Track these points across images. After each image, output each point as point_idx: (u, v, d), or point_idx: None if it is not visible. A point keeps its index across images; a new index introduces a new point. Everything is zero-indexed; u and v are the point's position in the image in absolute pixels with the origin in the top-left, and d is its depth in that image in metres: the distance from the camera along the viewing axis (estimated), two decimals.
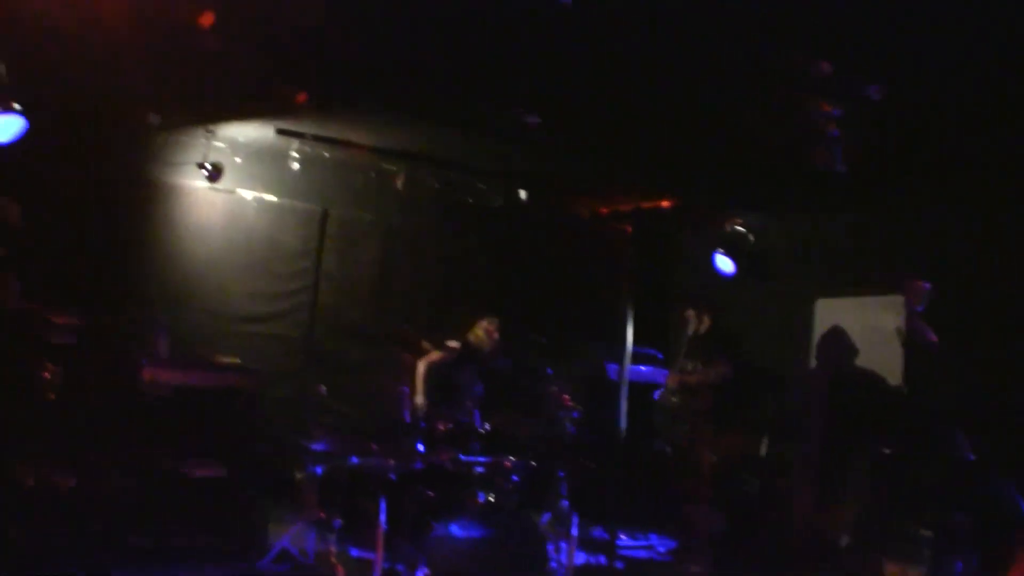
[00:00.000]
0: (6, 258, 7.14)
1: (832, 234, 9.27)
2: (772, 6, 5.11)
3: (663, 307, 9.81)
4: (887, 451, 7.98)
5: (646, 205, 3.64)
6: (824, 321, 8.97)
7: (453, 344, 7.93)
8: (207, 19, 6.04)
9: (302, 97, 7.22)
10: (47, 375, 6.42)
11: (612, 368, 8.52)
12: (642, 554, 8.64)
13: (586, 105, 7.12)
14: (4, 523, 6.30)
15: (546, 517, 6.93)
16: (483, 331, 8.06)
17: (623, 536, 8.91)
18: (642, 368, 8.92)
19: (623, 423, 3.71)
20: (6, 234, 7.24)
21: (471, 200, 10.03)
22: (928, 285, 7.30)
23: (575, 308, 10.23)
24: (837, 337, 8.67)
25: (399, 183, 9.44)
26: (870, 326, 8.43)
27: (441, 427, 6.62)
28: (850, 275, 8.96)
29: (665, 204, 3.60)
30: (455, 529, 5.98)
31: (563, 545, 6.77)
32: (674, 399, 8.52)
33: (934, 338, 7.31)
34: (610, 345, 8.00)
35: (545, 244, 10.64)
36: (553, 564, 6.56)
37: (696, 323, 8.57)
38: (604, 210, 3.72)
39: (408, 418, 6.97)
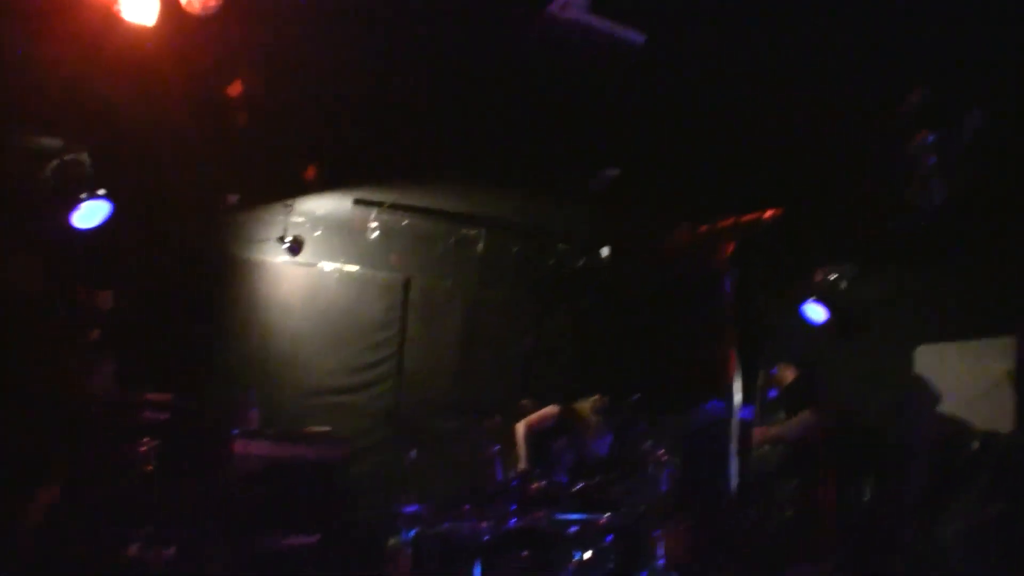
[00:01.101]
0: (99, 341, 7.27)
1: (930, 279, 9.01)
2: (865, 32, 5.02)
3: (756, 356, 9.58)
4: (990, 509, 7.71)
5: (747, 218, 3.53)
6: (924, 369, 8.69)
7: (553, 410, 7.77)
8: (235, 89, 6.16)
9: (311, 173, 7.30)
10: (143, 449, 6.46)
11: (711, 408, 8.34)
12: None
13: (663, 151, 7.03)
14: None
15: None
16: (590, 406, 7.83)
17: None
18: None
19: (731, 476, 3.58)
20: (98, 318, 7.37)
21: (552, 262, 9.97)
22: None
23: (669, 361, 10.08)
24: (924, 386, 8.43)
25: (479, 248, 9.45)
26: (975, 371, 8.16)
27: (534, 487, 6.51)
28: (951, 320, 8.67)
29: (767, 216, 3.49)
30: None
31: None
32: (758, 453, 8.30)
33: None
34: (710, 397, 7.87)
35: (634, 298, 10.52)
36: None
37: (780, 376, 8.39)
38: (703, 228, 3.63)
39: (500, 477, 6.87)
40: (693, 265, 9.68)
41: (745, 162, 7.05)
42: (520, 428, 7.56)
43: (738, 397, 3.77)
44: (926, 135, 5.93)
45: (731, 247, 3.83)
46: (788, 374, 8.45)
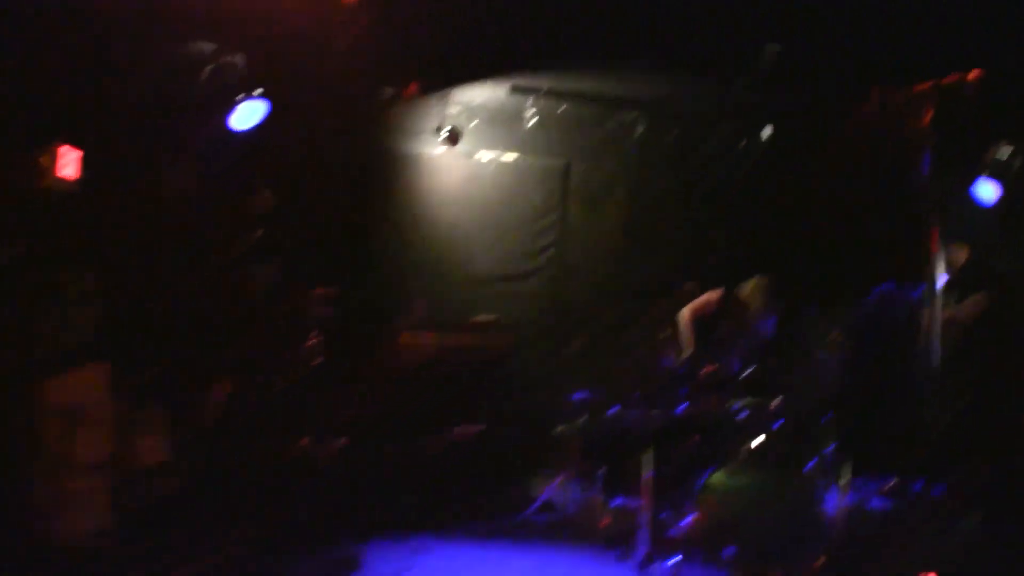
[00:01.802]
0: (263, 241, 7.44)
1: None
2: None
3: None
4: None
5: (948, 80, 3.30)
6: None
7: (715, 294, 7.62)
8: None
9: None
10: (310, 344, 6.62)
11: (887, 291, 8.10)
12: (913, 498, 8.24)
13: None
14: (279, 488, 6.58)
15: (813, 462, 6.66)
16: (753, 289, 7.62)
17: (889, 481, 8.52)
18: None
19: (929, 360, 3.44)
20: (261, 218, 7.54)
21: (714, 143, 9.73)
22: None
23: (837, 243, 9.79)
24: None
25: (638, 131, 9.29)
26: None
27: (703, 372, 6.45)
28: None
29: (971, 77, 3.26)
30: (721, 478, 5.81)
31: (832, 491, 6.49)
32: (940, 336, 8.03)
33: None
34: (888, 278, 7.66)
35: (798, 178, 10.21)
36: (821, 511, 6.28)
37: (953, 257, 8.06)
38: (898, 94, 3.42)
39: (668, 363, 6.82)
40: (883, 137, 9.35)
41: (912, 36, 6.69)
42: (684, 314, 7.44)
43: (941, 279, 3.61)
44: None
45: (930, 114, 3.62)
46: (961, 255, 8.10)
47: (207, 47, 6.64)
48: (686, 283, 7.54)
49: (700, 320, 7.44)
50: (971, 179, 8.40)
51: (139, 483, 6.19)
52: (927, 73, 3.57)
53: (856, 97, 4.03)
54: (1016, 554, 6.46)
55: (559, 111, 9.10)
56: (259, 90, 6.82)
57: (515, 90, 8.64)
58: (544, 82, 8.57)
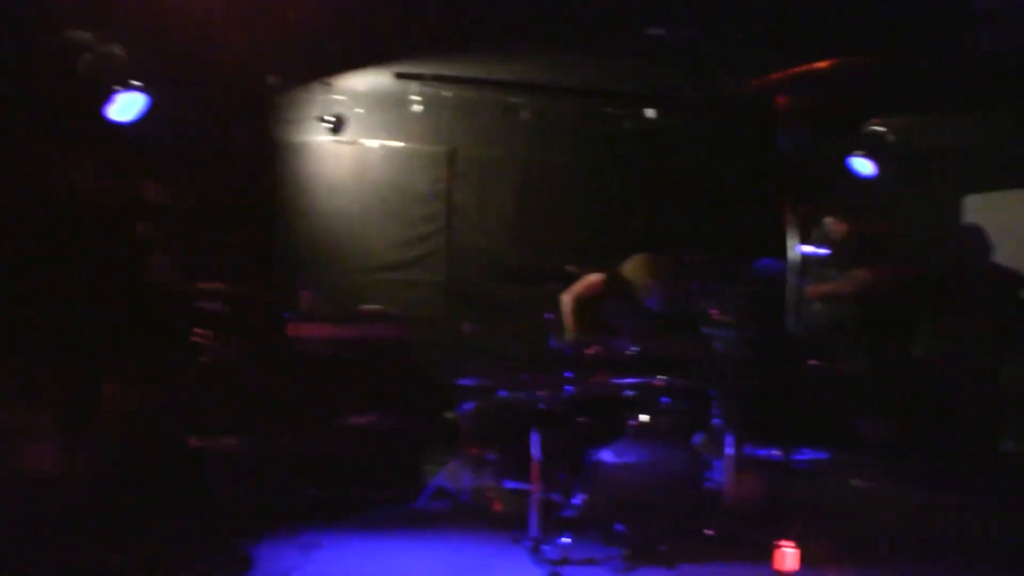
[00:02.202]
0: (151, 236, 7.31)
1: (981, 127, 8.77)
2: None
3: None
4: None
5: (799, 69, 3.43)
6: (974, 218, 8.55)
7: (597, 276, 7.67)
8: None
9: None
10: (199, 340, 6.52)
11: (763, 267, 8.27)
12: (798, 468, 8.44)
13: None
14: (173, 485, 6.49)
15: (699, 437, 6.80)
16: (634, 266, 7.69)
17: (777, 452, 8.72)
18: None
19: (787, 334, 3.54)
20: (148, 212, 7.40)
21: (599, 125, 9.83)
22: None
23: (723, 221, 9.99)
24: (975, 234, 8.29)
25: (526, 115, 9.33)
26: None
27: (589, 352, 6.50)
28: (999, 169, 8.48)
29: (821, 66, 3.39)
30: (609, 455, 5.88)
31: (717, 464, 6.63)
32: (814, 310, 8.24)
33: None
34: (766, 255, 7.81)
35: (682, 160, 10.38)
36: (709, 484, 6.42)
37: (838, 231, 8.26)
38: (755, 82, 3.54)
39: (554, 345, 6.86)
40: (745, 119, 9.55)
41: (797, 15, 6.82)
42: (565, 299, 7.51)
43: (794, 254, 3.72)
44: None
45: (783, 100, 3.73)
46: (839, 228, 8.32)
47: (85, 35, 6.48)
48: (569, 266, 7.58)
49: (584, 302, 7.50)
50: (849, 154, 8.66)
51: (26, 494, 6.05)
52: (784, 62, 3.68)
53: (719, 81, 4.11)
54: (900, 517, 6.70)
55: (445, 96, 9.09)
56: (138, 82, 6.69)
57: (399, 76, 8.59)
58: (428, 68, 8.54)
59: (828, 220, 8.31)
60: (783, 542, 3.65)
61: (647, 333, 7.35)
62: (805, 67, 3.67)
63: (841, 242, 8.17)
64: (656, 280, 7.35)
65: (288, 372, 7.14)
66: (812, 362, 8.32)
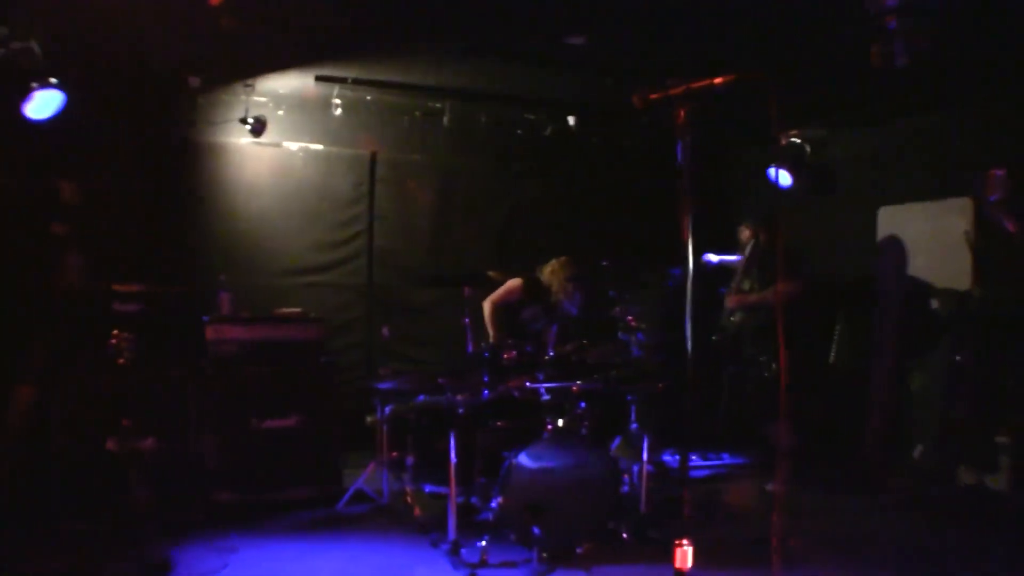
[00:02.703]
0: (66, 235, 7.22)
1: (892, 140, 9.01)
2: None
3: (721, 221, 9.59)
4: (958, 358, 7.86)
5: (697, 85, 3.52)
6: (887, 229, 8.77)
7: (516, 281, 7.77)
8: None
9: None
10: (115, 342, 6.46)
11: (676, 273, 8.44)
12: (713, 473, 8.63)
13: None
14: (91, 488, 6.44)
15: (616, 441, 6.91)
16: (550, 269, 7.81)
17: (694, 457, 8.89)
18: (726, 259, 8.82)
19: (689, 340, 3.63)
20: (63, 212, 7.32)
21: (520, 132, 9.92)
22: (1002, 172, 7.10)
23: (637, 228, 10.16)
24: (893, 245, 8.57)
25: (446, 120, 9.39)
26: (935, 231, 8.25)
27: (506, 356, 6.57)
28: (911, 181, 8.71)
29: (718, 81, 3.48)
30: (526, 459, 5.95)
31: (634, 468, 6.75)
32: (733, 319, 8.42)
33: (1013, 227, 7.12)
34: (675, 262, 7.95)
35: (600, 167, 10.53)
36: (625, 488, 6.53)
37: (753, 240, 8.43)
38: (654, 95, 3.60)
39: (471, 349, 6.93)
40: (651, 131, 9.72)
41: (713, 24, 6.95)
42: (486, 306, 7.60)
43: (692, 262, 3.83)
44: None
45: (683, 113, 3.83)
46: (747, 234, 8.51)
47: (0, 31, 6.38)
48: (490, 271, 7.65)
49: (503, 307, 7.59)
50: (767, 164, 8.84)
51: None
52: (694, 73, 3.77)
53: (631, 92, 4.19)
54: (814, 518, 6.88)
55: (366, 100, 9.10)
56: (54, 79, 6.61)
57: (320, 79, 8.58)
58: (350, 71, 8.54)
59: (745, 230, 8.50)
60: (681, 541, 3.76)
61: (565, 337, 7.47)
62: (704, 81, 3.76)
63: (760, 253, 8.34)
64: (573, 283, 7.48)
65: (205, 374, 7.11)
66: (730, 368, 8.52)
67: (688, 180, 3.83)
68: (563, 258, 7.68)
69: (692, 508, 6.49)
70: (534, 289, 7.61)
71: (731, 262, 8.73)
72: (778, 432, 8.01)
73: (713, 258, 8.87)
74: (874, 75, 6.37)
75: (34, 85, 6.47)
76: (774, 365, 7.79)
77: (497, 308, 7.57)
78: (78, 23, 6.59)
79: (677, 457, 7.95)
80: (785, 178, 8.79)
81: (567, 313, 7.64)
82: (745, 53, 7.45)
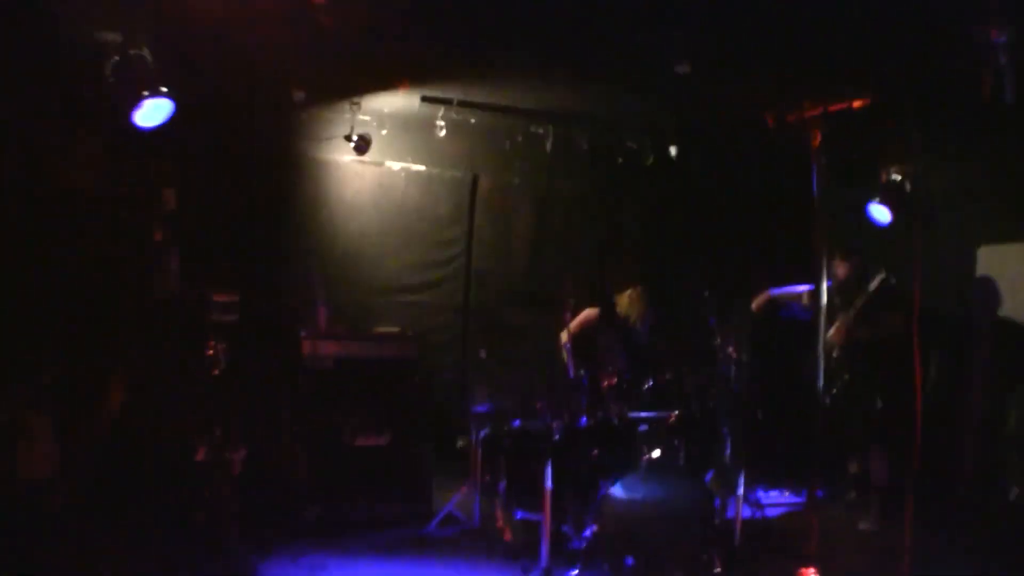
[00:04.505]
0: (165, 241, 7.30)
1: (995, 176, 8.72)
2: None
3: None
4: None
5: (835, 107, 3.41)
6: (988, 270, 8.51)
7: (591, 312, 7.69)
8: None
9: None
10: (211, 352, 6.48)
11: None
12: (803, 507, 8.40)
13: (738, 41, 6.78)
14: (179, 498, 6.45)
15: (710, 474, 6.75)
16: (628, 299, 7.76)
17: (786, 493, 8.68)
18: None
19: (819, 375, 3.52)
20: (166, 219, 7.40)
21: (621, 160, 9.82)
22: None
23: (739, 258, 9.97)
24: (987, 285, 8.39)
25: (547, 144, 9.34)
26: None
27: (604, 383, 6.46)
28: (1013, 220, 8.42)
29: (856, 105, 3.37)
30: (621, 490, 5.84)
31: (729, 502, 6.59)
32: (835, 354, 8.19)
33: None
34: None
35: (702, 197, 10.38)
36: (719, 520, 6.37)
37: (850, 274, 8.22)
38: (791, 118, 3.49)
39: (572, 373, 6.82)
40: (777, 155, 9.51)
41: (817, 56, 6.81)
42: (562, 337, 7.49)
43: (824, 297, 3.69)
44: (1000, 32, 5.67)
45: (819, 136, 3.71)
46: (841, 269, 8.30)
47: (114, 36, 6.47)
48: (568, 297, 7.51)
49: (580, 339, 7.47)
50: (865, 199, 8.61)
51: (24, 497, 6.03)
52: (817, 99, 3.66)
53: (753, 119, 4.09)
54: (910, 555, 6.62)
55: (470, 122, 9.09)
56: (165, 88, 6.68)
57: (426, 100, 8.60)
58: (455, 93, 8.55)
59: (834, 261, 8.30)
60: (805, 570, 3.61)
61: (638, 364, 7.31)
62: (843, 103, 3.64)
63: (843, 283, 8.16)
64: (648, 312, 7.44)
65: (301, 388, 7.11)
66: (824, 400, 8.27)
67: (821, 208, 3.70)
68: (637, 288, 7.63)
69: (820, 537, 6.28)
70: (611, 316, 7.56)
71: (795, 291, 8.52)
72: (878, 468, 7.81)
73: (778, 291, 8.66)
74: (980, 109, 6.17)
75: (145, 93, 6.53)
76: (879, 400, 7.57)
77: (575, 338, 7.46)
78: (190, 32, 6.67)
79: (771, 492, 7.76)
80: (884, 215, 8.55)
81: (640, 340, 7.55)
82: (851, 84, 7.26)
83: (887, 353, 7.84)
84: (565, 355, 6.98)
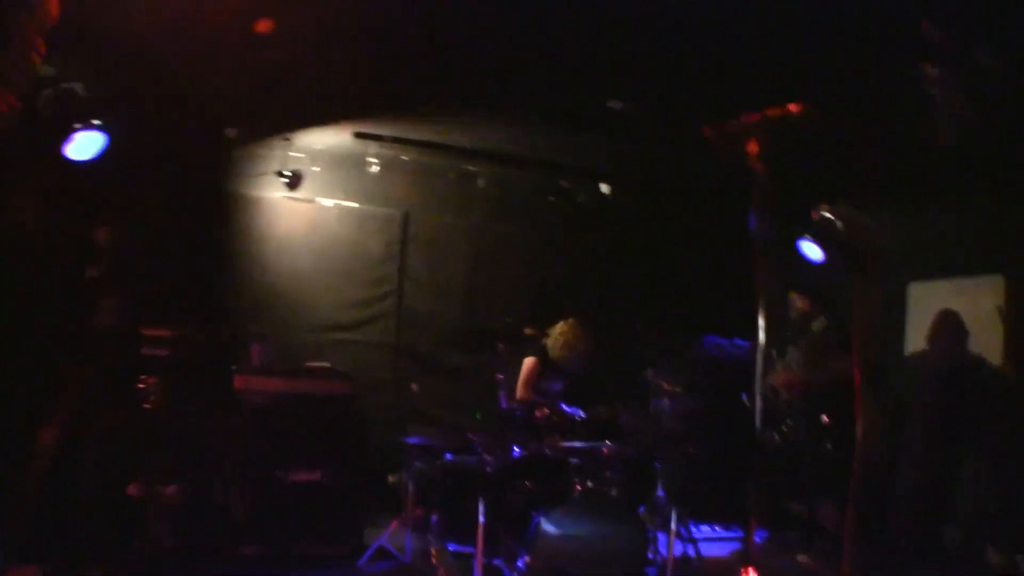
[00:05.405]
0: (99, 278, 7.22)
1: (925, 218, 8.95)
2: None
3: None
4: (996, 440, 7.74)
5: (773, 112, 3.45)
6: (918, 306, 8.68)
7: (529, 361, 7.76)
8: (265, 26, 6.06)
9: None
10: (143, 386, 6.42)
11: (709, 342, 8.35)
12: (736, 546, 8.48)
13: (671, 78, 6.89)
14: (113, 534, 6.36)
15: (642, 508, 6.80)
16: (559, 330, 7.82)
17: (718, 528, 8.76)
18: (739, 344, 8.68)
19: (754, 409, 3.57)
20: (97, 254, 7.32)
21: (552, 198, 9.93)
22: None
23: (670, 293, 10.11)
24: (950, 321, 8.40)
25: (480, 183, 9.42)
26: (967, 308, 8.13)
27: (538, 415, 6.51)
28: (943, 258, 8.63)
29: (793, 109, 3.42)
30: (553, 523, 5.87)
31: (661, 537, 6.64)
32: (784, 395, 8.26)
33: None
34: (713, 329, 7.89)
35: (634, 234, 10.51)
36: (651, 555, 6.42)
37: (804, 313, 8.32)
38: (728, 127, 3.52)
39: (504, 406, 6.86)
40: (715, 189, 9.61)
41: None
42: (520, 393, 7.53)
43: (763, 334, 3.73)
44: (935, 69, 5.81)
45: (756, 146, 3.75)
46: (799, 304, 8.39)
47: (47, 70, 6.42)
48: (526, 328, 7.59)
49: (535, 388, 7.53)
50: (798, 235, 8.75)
51: None
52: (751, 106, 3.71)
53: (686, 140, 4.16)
54: None
55: (402, 159, 9.15)
56: (97, 121, 6.63)
57: (359, 136, 8.64)
58: (388, 130, 8.60)
59: (793, 294, 8.39)
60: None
61: (573, 396, 7.38)
62: (778, 109, 3.70)
63: (813, 331, 8.23)
64: (580, 344, 7.50)
65: (232, 424, 7.06)
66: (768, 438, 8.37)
67: (761, 244, 3.75)
68: (571, 320, 7.71)
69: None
70: (547, 358, 7.62)
71: (734, 351, 8.63)
72: (825, 510, 7.88)
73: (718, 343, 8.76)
74: (916, 154, 6.33)
75: (76, 126, 6.49)
76: (829, 444, 7.64)
77: (529, 391, 7.52)
78: (123, 66, 6.65)
79: (702, 527, 7.82)
80: (815, 252, 8.70)
81: (574, 372, 7.61)
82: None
83: (838, 397, 7.94)
84: (498, 387, 7.02)
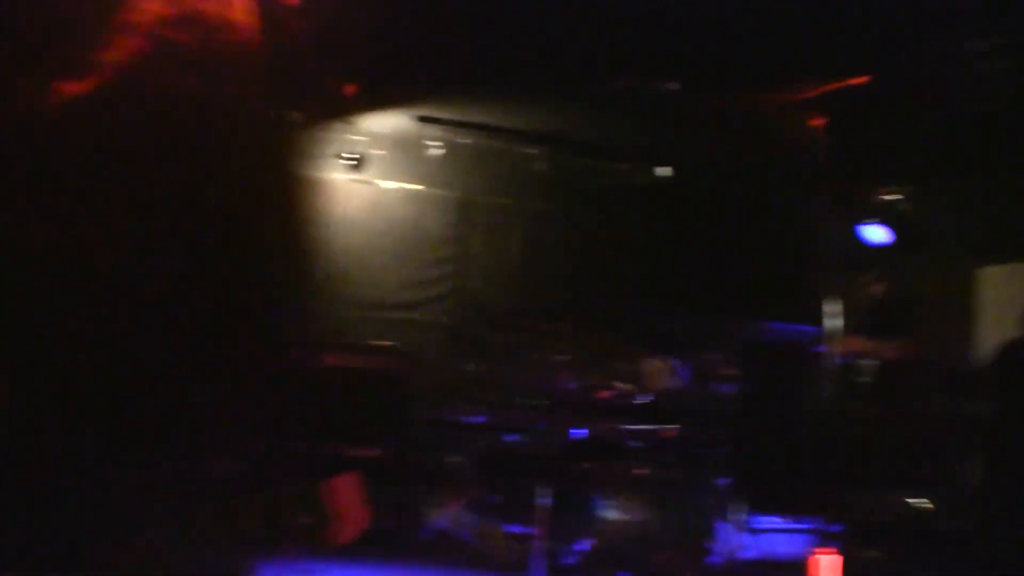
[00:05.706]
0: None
1: (994, 196, 8.78)
2: None
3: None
4: None
5: (836, 85, 3.39)
6: (987, 291, 8.53)
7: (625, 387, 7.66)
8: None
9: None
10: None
11: (778, 328, 8.25)
12: (801, 538, 8.37)
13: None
14: (173, 513, 6.41)
15: (704, 491, 6.76)
16: (652, 372, 7.66)
17: (781, 519, 8.66)
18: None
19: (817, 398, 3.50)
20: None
21: (612, 181, 9.88)
22: None
23: (737, 275, 9.99)
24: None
25: (540, 165, 9.41)
26: None
27: (599, 396, 6.49)
28: (1015, 240, 8.46)
29: (858, 81, 3.36)
30: (613, 506, 5.86)
31: (723, 518, 6.60)
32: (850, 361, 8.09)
33: None
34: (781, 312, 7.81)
35: (692, 219, 10.42)
36: (712, 544, 6.39)
37: (874, 292, 8.22)
38: (791, 98, 3.47)
39: (566, 388, 6.84)
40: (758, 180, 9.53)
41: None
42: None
43: (833, 321, 3.67)
44: (977, 42, 5.71)
45: (821, 123, 3.71)
46: (877, 290, 8.28)
47: None
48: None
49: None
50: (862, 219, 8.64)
51: None
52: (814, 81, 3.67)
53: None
54: None
55: (463, 142, 9.15)
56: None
57: (421, 120, 8.66)
58: (450, 113, 8.61)
59: (868, 281, 8.27)
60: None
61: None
62: (842, 82, 3.65)
63: (875, 307, 8.13)
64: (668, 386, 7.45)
65: (290, 399, 7.10)
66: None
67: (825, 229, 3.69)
68: (661, 362, 7.56)
69: None
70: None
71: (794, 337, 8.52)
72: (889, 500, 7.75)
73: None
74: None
75: None
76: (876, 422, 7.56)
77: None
78: (183, 54, 6.70)
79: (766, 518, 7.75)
80: (879, 235, 8.58)
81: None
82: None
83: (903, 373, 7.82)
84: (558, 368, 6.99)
